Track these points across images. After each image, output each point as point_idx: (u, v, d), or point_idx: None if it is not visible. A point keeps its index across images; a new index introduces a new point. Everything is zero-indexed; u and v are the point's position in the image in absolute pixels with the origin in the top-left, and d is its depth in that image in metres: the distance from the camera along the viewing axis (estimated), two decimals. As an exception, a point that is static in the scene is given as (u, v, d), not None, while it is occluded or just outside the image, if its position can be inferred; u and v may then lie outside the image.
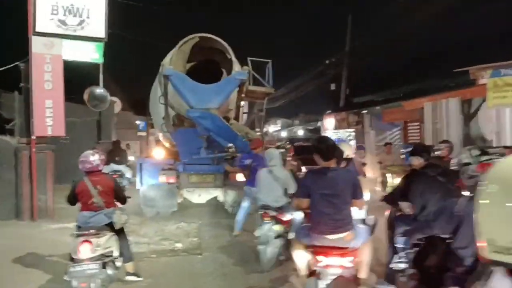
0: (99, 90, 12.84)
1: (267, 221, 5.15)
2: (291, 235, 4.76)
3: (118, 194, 4.70)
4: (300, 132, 31.17)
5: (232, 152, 8.10)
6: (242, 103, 8.17)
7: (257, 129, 8.59)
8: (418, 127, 14.17)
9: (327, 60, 19.21)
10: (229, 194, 8.49)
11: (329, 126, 17.96)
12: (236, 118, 7.74)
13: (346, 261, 3.29)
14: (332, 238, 3.34)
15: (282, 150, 10.74)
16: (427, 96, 11.28)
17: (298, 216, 4.96)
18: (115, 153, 11.18)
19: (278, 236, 5.10)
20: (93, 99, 12.90)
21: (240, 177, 8.16)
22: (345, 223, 3.39)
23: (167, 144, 9.90)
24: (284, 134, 35.56)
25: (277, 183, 5.39)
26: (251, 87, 7.63)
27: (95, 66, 13.18)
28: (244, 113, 9.00)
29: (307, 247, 3.51)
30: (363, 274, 3.40)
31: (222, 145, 7.89)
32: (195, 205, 9.38)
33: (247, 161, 6.78)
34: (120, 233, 4.62)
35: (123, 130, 20.29)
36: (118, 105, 15.10)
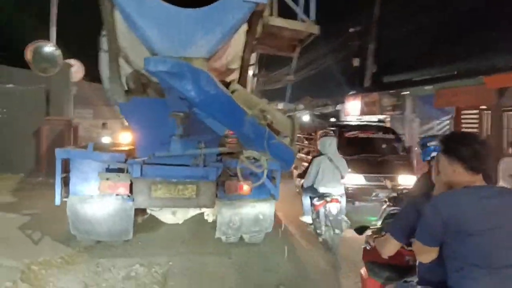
0: (48, 48, 9.25)
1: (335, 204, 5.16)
2: None
3: None
4: (306, 119, 27.44)
5: (233, 144, 4.53)
6: (253, 56, 4.49)
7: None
8: (478, 115, 10.63)
9: (351, 29, 15.43)
10: (223, 215, 4.92)
11: (353, 110, 14.29)
12: (243, 82, 4.14)
13: None
14: None
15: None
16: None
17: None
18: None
19: None
20: (40, 59, 9.31)
21: (246, 188, 4.64)
22: None
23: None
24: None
25: (338, 171, 5.45)
26: (276, 20, 3.91)
27: (46, 14, 9.52)
28: (254, 75, 5.27)
29: None
30: None
31: (216, 131, 4.32)
32: (165, 227, 5.81)
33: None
34: None
35: (102, 106, 16.67)
36: (78, 71, 11.31)
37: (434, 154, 3.75)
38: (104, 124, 12.55)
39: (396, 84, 12.44)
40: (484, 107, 10.29)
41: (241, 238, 5.40)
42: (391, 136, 8.62)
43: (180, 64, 3.43)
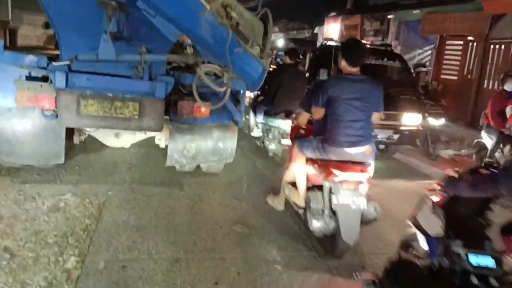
0: None
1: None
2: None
3: None
4: (281, 43, 25.98)
5: (190, 54, 3.61)
6: None
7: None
8: (462, 46, 9.91)
9: None
10: (176, 141, 4.13)
11: (332, 33, 13.19)
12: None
13: (364, 177, 3.11)
14: (352, 152, 3.14)
15: None
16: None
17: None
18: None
19: None
20: None
21: (204, 110, 3.87)
22: (367, 136, 3.21)
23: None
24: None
25: None
26: None
27: None
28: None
29: (313, 161, 3.37)
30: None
31: (166, 36, 3.37)
32: (110, 151, 5.02)
33: None
34: None
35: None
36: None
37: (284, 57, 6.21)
38: (47, 24, 10.51)
39: (381, 7, 11.35)
40: (470, 38, 9.59)
41: (198, 167, 4.72)
42: (397, 64, 6.95)
43: None
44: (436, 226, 1.81)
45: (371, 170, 3.23)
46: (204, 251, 3.15)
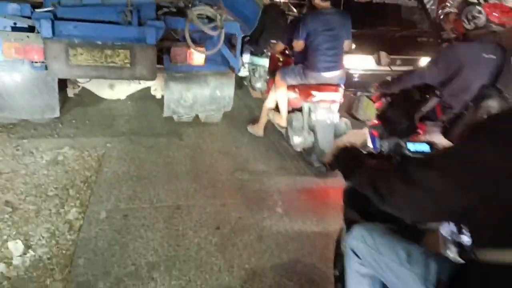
0: None
1: None
2: None
3: None
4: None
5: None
6: None
7: None
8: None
9: None
10: (172, 90, 4.02)
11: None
12: None
13: (337, 97, 3.72)
14: (329, 76, 3.74)
15: None
16: None
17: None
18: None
19: None
20: None
21: (198, 57, 3.73)
22: (341, 61, 3.80)
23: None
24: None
25: None
26: None
27: None
28: None
29: (293, 87, 3.92)
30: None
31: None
32: (107, 103, 4.93)
33: None
34: None
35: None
36: None
37: None
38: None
39: None
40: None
41: (197, 117, 4.64)
42: (413, 2, 6.24)
43: None
44: (367, 115, 2.52)
45: (342, 91, 3.79)
46: (205, 197, 3.16)
